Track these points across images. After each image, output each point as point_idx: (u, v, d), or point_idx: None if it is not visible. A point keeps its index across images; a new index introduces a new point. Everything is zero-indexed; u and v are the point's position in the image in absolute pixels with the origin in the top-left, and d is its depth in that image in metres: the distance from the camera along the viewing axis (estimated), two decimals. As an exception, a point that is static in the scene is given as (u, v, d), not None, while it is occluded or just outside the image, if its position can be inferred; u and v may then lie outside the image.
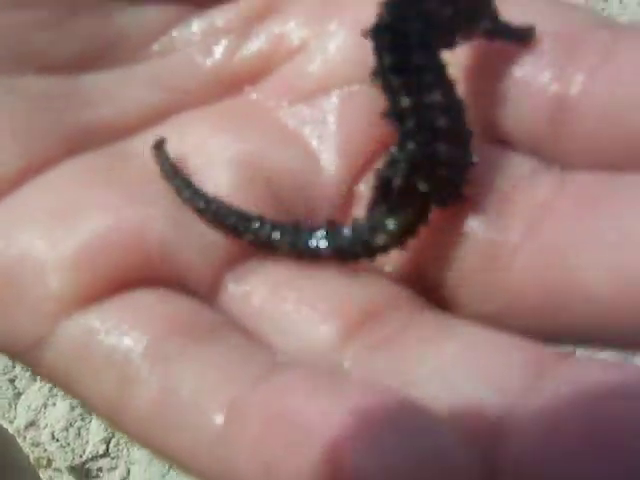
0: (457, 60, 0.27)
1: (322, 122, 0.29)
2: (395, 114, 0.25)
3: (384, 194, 0.26)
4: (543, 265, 0.24)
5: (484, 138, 0.27)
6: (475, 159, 0.26)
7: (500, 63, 0.27)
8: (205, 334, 0.25)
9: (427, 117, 0.25)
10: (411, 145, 0.25)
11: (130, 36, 0.31)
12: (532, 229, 0.25)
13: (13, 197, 0.28)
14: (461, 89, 0.26)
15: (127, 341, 0.24)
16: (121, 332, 0.24)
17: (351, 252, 0.27)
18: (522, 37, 0.26)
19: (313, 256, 0.27)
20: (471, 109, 0.26)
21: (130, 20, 0.31)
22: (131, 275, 0.26)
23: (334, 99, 0.29)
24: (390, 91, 0.25)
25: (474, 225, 0.26)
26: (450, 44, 0.26)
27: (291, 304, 0.26)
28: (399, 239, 0.26)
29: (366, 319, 0.25)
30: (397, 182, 0.26)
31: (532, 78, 0.26)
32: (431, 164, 0.25)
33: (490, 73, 0.27)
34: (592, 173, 0.25)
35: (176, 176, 0.28)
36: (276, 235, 0.27)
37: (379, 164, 0.26)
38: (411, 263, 0.27)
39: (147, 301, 0.25)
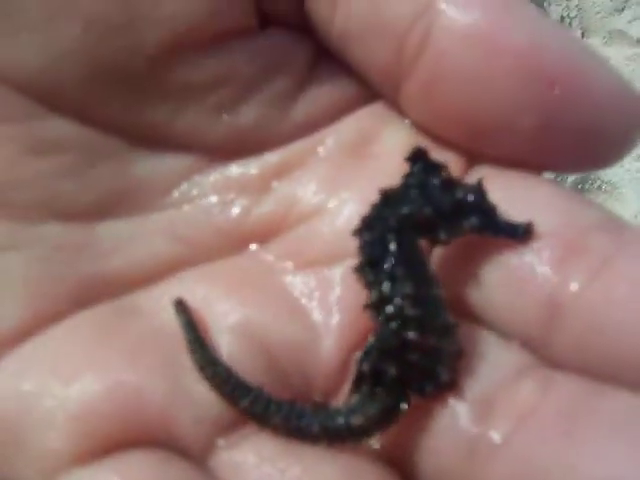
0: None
1: (325, 293, 0.29)
2: (371, 305, 0.27)
3: (361, 379, 0.28)
4: (515, 474, 0.25)
5: (476, 324, 0.28)
6: (458, 349, 0.27)
7: (501, 252, 0.27)
8: None
9: (397, 308, 0.26)
10: (381, 333, 0.27)
11: (148, 185, 0.31)
12: (509, 437, 0.25)
13: (20, 349, 0.28)
14: (454, 274, 0.28)
15: None
16: None
17: (335, 433, 0.27)
18: (517, 234, 0.27)
19: (302, 434, 0.28)
20: (464, 293, 0.28)
21: (149, 168, 0.31)
22: (128, 436, 0.27)
23: (340, 270, 0.30)
24: (366, 284, 0.27)
25: (458, 417, 0.26)
26: (435, 241, 0.28)
27: (276, 477, 0.27)
28: (376, 423, 0.27)
29: None
30: (365, 367, 0.27)
31: (530, 273, 0.27)
32: (400, 352, 0.26)
33: (489, 260, 0.28)
34: (576, 382, 0.25)
35: (193, 336, 0.28)
36: (269, 409, 0.27)
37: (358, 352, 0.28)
38: (394, 446, 0.28)
39: (141, 464, 0.26)
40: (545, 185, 0.29)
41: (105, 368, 0.28)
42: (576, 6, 1.22)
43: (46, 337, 0.29)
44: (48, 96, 0.29)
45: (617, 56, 1.18)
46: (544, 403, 0.25)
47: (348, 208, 0.30)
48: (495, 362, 0.27)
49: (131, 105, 0.30)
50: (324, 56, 0.32)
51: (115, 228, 0.30)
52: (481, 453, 0.26)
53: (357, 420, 0.27)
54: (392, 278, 0.26)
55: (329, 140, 0.31)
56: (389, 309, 0.26)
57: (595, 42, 1.20)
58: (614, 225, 0.27)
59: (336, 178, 0.31)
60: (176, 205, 0.31)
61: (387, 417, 0.27)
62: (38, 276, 0.29)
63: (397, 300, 0.26)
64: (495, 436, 0.26)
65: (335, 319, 0.29)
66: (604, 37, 1.20)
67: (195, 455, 0.28)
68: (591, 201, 0.29)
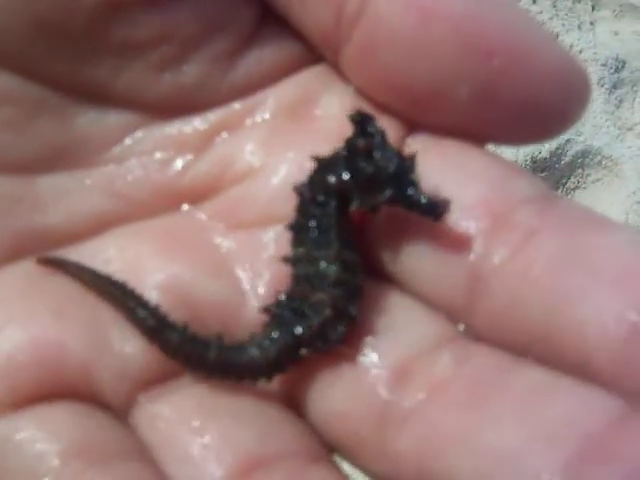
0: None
1: (255, 254, 0.30)
2: (290, 259, 0.29)
3: (270, 322, 0.29)
4: (421, 446, 0.25)
5: (402, 292, 0.29)
6: (355, 315, 0.28)
7: (429, 222, 0.28)
8: (108, 457, 0.26)
9: (310, 267, 0.28)
10: (290, 289, 0.29)
11: (89, 140, 0.31)
12: (420, 407, 0.26)
13: None
14: (384, 243, 0.29)
15: (37, 454, 0.26)
16: (33, 445, 0.26)
17: (232, 367, 0.28)
18: (432, 212, 0.27)
19: (201, 366, 0.29)
20: (392, 261, 0.28)
21: (90, 124, 0.31)
22: (49, 389, 0.27)
23: (271, 233, 0.30)
24: (292, 242, 0.29)
25: (374, 381, 0.27)
26: (357, 208, 0.28)
27: (190, 435, 0.27)
28: (273, 364, 0.28)
29: (256, 465, 0.26)
30: (273, 313, 0.29)
31: (456, 243, 0.27)
32: (303, 309, 0.28)
33: (417, 230, 0.28)
34: (491, 356, 0.26)
35: (102, 280, 0.29)
36: (180, 342, 0.28)
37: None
38: (295, 390, 0.29)
39: (60, 415, 0.27)
40: (481, 155, 0.29)
41: (29, 321, 0.29)
42: (588, -23, 1.20)
43: None
44: None
45: (627, 30, 1.16)
46: (457, 376, 0.26)
47: (283, 170, 0.30)
48: (416, 331, 0.28)
49: (72, 61, 0.30)
50: (269, 16, 0.31)
51: (54, 182, 0.31)
52: (390, 419, 0.26)
53: (254, 355, 0.28)
54: (312, 240, 0.28)
55: (269, 101, 0.31)
56: (300, 268, 0.28)
57: (606, 15, 1.18)
58: (544, 198, 0.27)
59: (274, 140, 0.31)
60: (116, 161, 0.31)
61: (284, 360, 0.28)
62: None
63: (311, 261, 0.28)
64: (405, 404, 0.26)
65: (263, 281, 0.29)
66: (614, 10, 1.18)
67: (116, 409, 0.28)
68: (526, 173, 0.29)
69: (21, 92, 0.30)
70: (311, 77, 0.31)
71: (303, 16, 0.30)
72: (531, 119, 0.28)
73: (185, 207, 0.31)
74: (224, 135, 0.31)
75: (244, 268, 0.30)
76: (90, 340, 0.28)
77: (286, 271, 0.29)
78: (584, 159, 1.04)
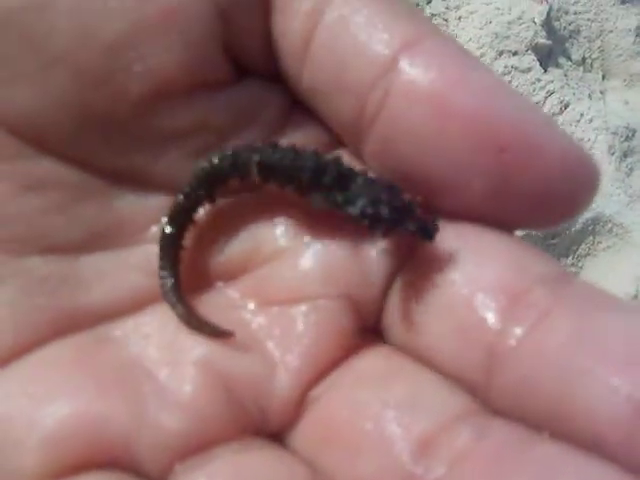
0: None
1: (284, 331, 0.31)
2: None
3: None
4: None
5: (422, 362, 0.30)
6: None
7: (450, 300, 0.29)
8: None
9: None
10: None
11: (128, 221, 0.33)
12: (451, 472, 0.27)
13: (1, 373, 0.30)
14: (406, 321, 0.30)
15: None
16: None
17: None
18: (421, 234, 0.29)
19: None
20: (414, 339, 0.30)
21: (130, 206, 0.33)
22: (93, 459, 0.29)
23: (299, 310, 0.31)
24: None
25: (400, 456, 0.28)
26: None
27: None
28: None
29: None
30: None
31: (475, 322, 0.28)
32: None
33: (438, 307, 0.29)
34: (509, 431, 0.27)
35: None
36: None
37: None
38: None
39: None
40: (497, 237, 0.30)
41: (76, 394, 0.30)
42: (598, 48, 1.23)
43: (25, 363, 0.31)
44: (37, 137, 0.31)
45: (637, 99, 1.18)
46: (477, 449, 0.27)
47: (310, 251, 0.32)
48: (438, 405, 0.29)
49: (115, 147, 0.32)
50: (297, 105, 0.33)
51: (96, 262, 0.32)
52: None
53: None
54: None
55: None
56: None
57: (615, 84, 1.20)
58: (558, 278, 0.28)
59: (301, 222, 0.33)
60: (154, 241, 0.33)
61: None
62: (22, 306, 0.31)
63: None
64: (430, 476, 0.27)
65: (293, 354, 0.31)
66: (625, 80, 1.20)
67: (154, 478, 0.29)
68: (540, 253, 0.30)
69: (67, 177, 0.32)
70: None
71: (327, 110, 0.32)
72: (543, 207, 0.29)
73: (219, 285, 0.32)
74: (255, 217, 0.33)
75: (275, 343, 0.31)
76: (131, 413, 0.30)
77: (316, 347, 0.31)
78: (595, 226, 1.04)
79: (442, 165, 0.29)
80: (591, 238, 1.04)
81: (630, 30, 1.23)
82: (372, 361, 0.31)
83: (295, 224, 0.33)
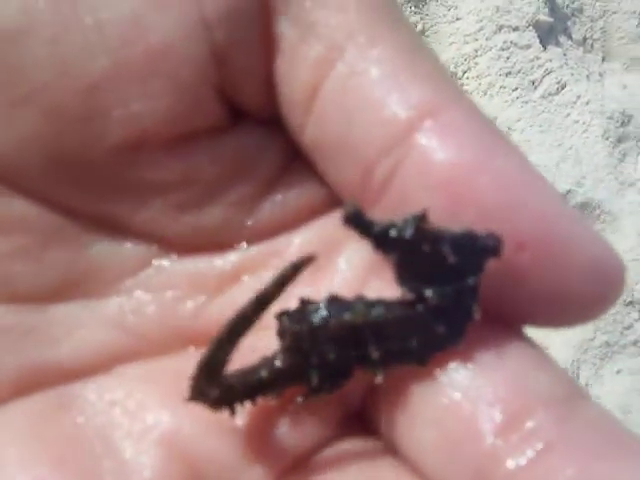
0: None
1: (260, 415, 0.28)
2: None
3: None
4: None
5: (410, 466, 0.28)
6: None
7: (442, 412, 0.26)
8: None
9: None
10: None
11: (103, 270, 0.30)
12: None
13: None
14: (395, 427, 0.28)
15: None
16: None
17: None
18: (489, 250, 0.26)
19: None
20: (401, 445, 0.27)
21: (106, 254, 0.30)
22: None
23: None
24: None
25: None
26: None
27: None
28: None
29: None
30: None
31: (466, 439, 0.25)
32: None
33: (428, 415, 0.27)
34: None
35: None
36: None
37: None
38: None
39: None
40: (503, 337, 0.27)
41: (28, 467, 0.28)
42: (601, 29, 1.20)
43: None
44: (7, 177, 0.29)
45: (635, 83, 1.16)
46: None
47: None
48: None
49: (90, 194, 0.29)
50: (294, 159, 0.30)
51: (65, 313, 0.30)
52: None
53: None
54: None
55: (291, 246, 0.30)
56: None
57: (615, 67, 1.18)
58: (566, 401, 0.26)
59: (291, 287, 0.29)
60: (129, 294, 0.30)
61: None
62: None
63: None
64: None
65: (264, 440, 0.28)
66: (625, 63, 1.18)
67: None
68: (552, 365, 0.27)
69: (37, 220, 0.29)
70: (336, 222, 0.30)
71: (329, 168, 0.29)
72: (561, 309, 0.27)
73: (192, 349, 0.30)
74: (241, 279, 0.30)
75: (247, 423, 0.28)
76: None
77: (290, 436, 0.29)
78: (583, 211, 1.03)
79: None
80: (578, 223, 1.03)
81: (634, 12, 1.21)
82: (350, 454, 0.29)
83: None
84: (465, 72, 1.08)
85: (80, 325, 0.30)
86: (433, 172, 0.26)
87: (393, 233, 0.26)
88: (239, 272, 0.30)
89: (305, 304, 0.28)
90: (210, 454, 0.28)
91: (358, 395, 0.29)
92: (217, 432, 0.28)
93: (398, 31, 0.28)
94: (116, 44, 0.28)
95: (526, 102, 1.08)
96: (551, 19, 1.14)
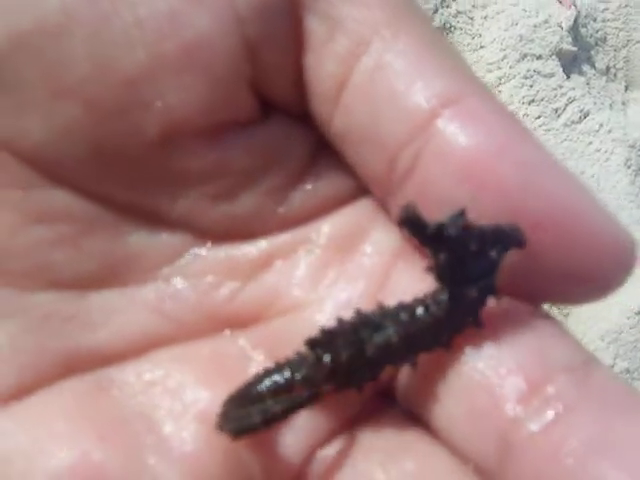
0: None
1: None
2: None
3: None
4: None
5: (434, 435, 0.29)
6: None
7: (467, 382, 0.28)
8: None
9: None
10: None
11: (141, 258, 0.31)
12: None
13: (1, 414, 0.29)
14: (421, 397, 0.29)
15: None
16: None
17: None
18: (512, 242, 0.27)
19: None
20: (429, 415, 0.28)
21: (143, 242, 0.31)
22: None
23: None
24: None
25: None
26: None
27: None
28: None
29: None
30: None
31: (491, 407, 0.27)
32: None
33: (454, 387, 0.28)
34: None
35: None
36: None
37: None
38: None
39: None
40: (522, 313, 0.29)
41: (73, 442, 0.29)
42: (624, 58, 1.21)
43: (25, 404, 0.30)
44: (49, 168, 0.30)
45: (658, 112, 1.17)
46: None
47: (329, 307, 0.30)
48: None
49: (129, 184, 0.30)
50: (324, 149, 0.31)
51: (105, 299, 0.31)
52: None
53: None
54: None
55: (320, 233, 0.32)
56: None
57: (638, 96, 1.19)
58: (583, 367, 0.27)
59: (321, 273, 0.31)
60: (166, 281, 0.31)
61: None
62: (24, 346, 0.30)
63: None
64: None
65: (299, 415, 0.29)
66: (648, 92, 1.19)
67: None
68: (568, 337, 0.29)
69: (76, 210, 0.30)
70: (363, 210, 0.32)
71: (356, 158, 0.30)
72: (574, 286, 0.28)
73: (227, 333, 0.31)
74: (274, 265, 0.32)
75: None
76: (130, 465, 0.29)
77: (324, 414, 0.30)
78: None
79: None
80: (600, 250, 1.03)
81: (658, 42, 1.22)
82: (380, 431, 0.30)
83: (314, 275, 0.31)
84: (488, 100, 1.09)
85: (119, 311, 0.31)
86: (454, 158, 0.27)
87: (445, 232, 0.27)
88: (271, 258, 0.31)
89: (331, 333, 0.28)
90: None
91: (387, 375, 0.30)
92: None
93: (420, 26, 0.29)
94: (153, 39, 0.28)
95: (549, 130, 1.09)
96: (574, 48, 1.15)
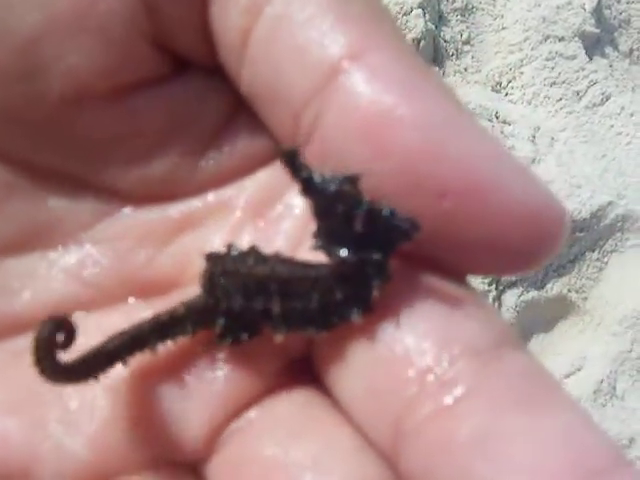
0: None
1: (203, 361, 0.29)
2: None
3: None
4: None
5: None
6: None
7: (373, 353, 0.26)
8: None
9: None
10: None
11: (60, 223, 0.31)
12: None
13: None
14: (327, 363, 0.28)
15: None
16: None
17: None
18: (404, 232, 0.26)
19: None
20: (331, 382, 0.28)
21: (62, 207, 0.31)
22: None
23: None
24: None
25: None
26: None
27: None
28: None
29: None
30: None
31: (387, 386, 0.25)
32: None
33: (359, 356, 0.27)
34: None
35: None
36: None
37: None
38: None
39: None
40: (435, 285, 0.27)
41: None
42: (647, 40, 1.20)
43: None
44: None
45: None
46: None
47: None
48: (346, 471, 0.26)
49: (42, 149, 0.30)
50: (241, 108, 0.30)
51: (23, 264, 0.31)
52: None
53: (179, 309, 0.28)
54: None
55: (238, 195, 0.31)
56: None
57: (661, 79, 1.18)
58: (490, 350, 0.25)
59: (238, 237, 0.30)
60: (85, 246, 0.31)
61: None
62: None
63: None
64: None
65: (208, 387, 0.29)
66: (671, 75, 1.17)
67: None
68: (482, 312, 0.26)
69: None
70: (281, 172, 0.29)
71: (264, 116, 0.29)
72: (494, 257, 0.26)
73: (130, 301, 0.31)
74: (191, 228, 0.31)
75: (190, 372, 0.29)
76: (34, 435, 0.28)
77: (235, 387, 0.29)
78: (624, 223, 1.03)
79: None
80: (619, 234, 1.03)
81: (682, 25, 1.20)
82: (291, 406, 0.29)
83: (233, 239, 0.30)
84: (510, 81, 1.08)
85: (37, 276, 0.31)
86: (354, 117, 0.25)
87: (316, 183, 0.26)
88: (188, 222, 0.31)
89: (229, 249, 0.28)
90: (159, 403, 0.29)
91: (298, 346, 0.29)
92: (162, 379, 0.29)
93: None
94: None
95: (570, 112, 1.08)
96: (598, 30, 1.14)
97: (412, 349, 0.25)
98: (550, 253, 0.26)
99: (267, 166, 0.31)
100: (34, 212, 0.31)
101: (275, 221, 0.30)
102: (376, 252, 0.26)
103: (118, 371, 0.29)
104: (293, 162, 0.26)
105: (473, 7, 1.11)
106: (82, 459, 0.28)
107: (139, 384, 0.29)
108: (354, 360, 0.27)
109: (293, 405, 0.29)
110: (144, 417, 0.29)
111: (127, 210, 0.31)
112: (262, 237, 0.30)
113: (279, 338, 0.27)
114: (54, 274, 0.31)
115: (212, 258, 0.28)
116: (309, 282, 0.27)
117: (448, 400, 0.24)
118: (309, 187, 0.26)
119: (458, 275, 0.27)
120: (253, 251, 0.28)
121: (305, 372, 0.29)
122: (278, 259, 0.28)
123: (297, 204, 0.30)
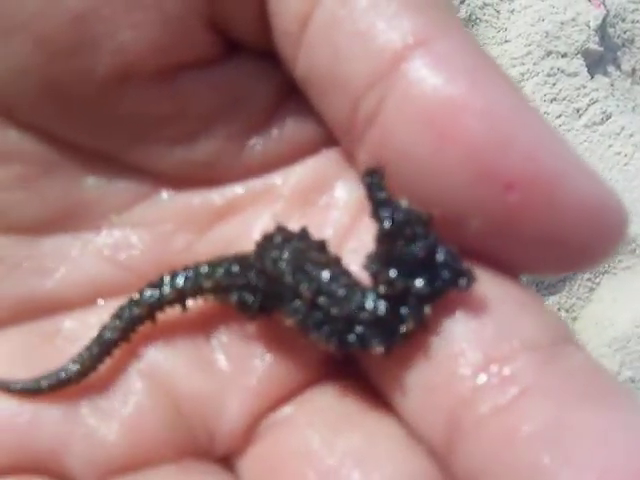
0: None
1: (244, 352, 0.28)
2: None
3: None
4: None
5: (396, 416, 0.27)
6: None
7: (431, 359, 0.26)
8: None
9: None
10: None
11: (97, 203, 0.30)
12: None
13: None
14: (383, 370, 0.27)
15: None
16: None
17: None
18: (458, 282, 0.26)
19: None
20: (390, 395, 0.27)
21: (100, 187, 0.30)
22: (19, 464, 0.27)
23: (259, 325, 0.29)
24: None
25: None
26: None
27: None
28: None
29: None
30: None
31: (447, 384, 0.25)
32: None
33: (417, 359, 0.26)
34: None
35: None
36: None
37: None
38: None
39: None
40: (493, 283, 0.26)
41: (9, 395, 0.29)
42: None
43: None
44: (4, 107, 0.29)
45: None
46: None
47: None
48: (390, 465, 0.26)
49: (84, 128, 0.29)
50: (291, 93, 0.30)
51: (57, 244, 0.30)
52: None
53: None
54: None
55: (284, 183, 0.30)
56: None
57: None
58: (550, 347, 0.25)
59: (286, 219, 0.29)
60: (121, 228, 0.30)
61: None
62: None
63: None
64: None
65: (247, 380, 0.28)
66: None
67: None
68: (541, 310, 0.26)
69: (32, 151, 0.29)
70: (329, 161, 0.30)
71: (320, 103, 0.28)
72: (555, 255, 0.25)
73: None
74: (233, 215, 0.30)
75: (230, 363, 0.29)
76: (64, 418, 0.28)
77: (272, 377, 0.29)
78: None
79: (435, 195, 0.25)
80: (612, 255, 1.02)
81: (686, 47, 1.19)
82: (332, 399, 0.28)
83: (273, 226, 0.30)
84: (510, 96, 1.08)
85: (70, 257, 0.30)
86: (417, 105, 0.25)
87: (390, 207, 0.25)
88: (231, 208, 0.30)
89: (280, 230, 0.28)
90: (192, 389, 0.28)
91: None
92: (199, 370, 0.29)
93: None
94: None
95: (569, 130, 1.07)
96: (601, 48, 1.13)
97: (469, 345, 0.25)
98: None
99: (315, 155, 0.30)
100: (71, 192, 0.30)
101: (322, 212, 0.29)
102: (424, 286, 0.26)
103: (154, 356, 0.29)
104: (373, 181, 0.26)
105: (477, 18, 1.10)
106: (114, 444, 0.28)
107: (176, 371, 0.29)
108: (405, 354, 0.26)
109: (333, 398, 0.28)
110: (180, 405, 0.28)
111: (165, 193, 0.30)
112: (309, 225, 0.29)
113: (289, 322, 0.27)
114: (88, 255, 0.30)
115: (280, 229, 0.28)
116: (351, 290, 0.26)
117: (509, 396, 0.24)
118: (381, 210, 0.26)
119: (513, 273, 0.26)
120: (314, 240, 0.28)
121: (346, 364, 0.29)
122: (336, 259, 0.27)
123: (345, 196, 0.29)
